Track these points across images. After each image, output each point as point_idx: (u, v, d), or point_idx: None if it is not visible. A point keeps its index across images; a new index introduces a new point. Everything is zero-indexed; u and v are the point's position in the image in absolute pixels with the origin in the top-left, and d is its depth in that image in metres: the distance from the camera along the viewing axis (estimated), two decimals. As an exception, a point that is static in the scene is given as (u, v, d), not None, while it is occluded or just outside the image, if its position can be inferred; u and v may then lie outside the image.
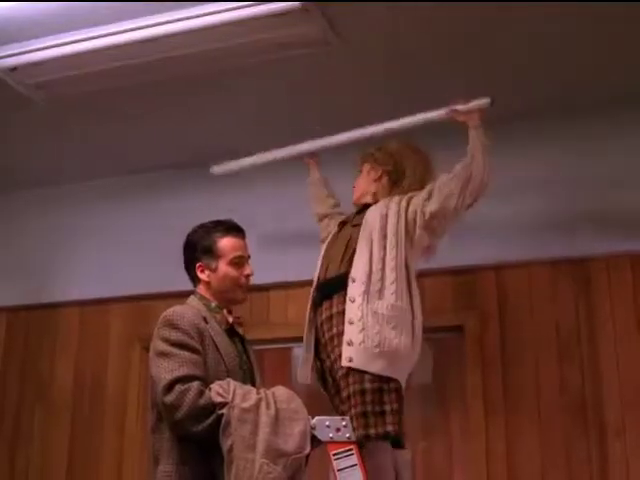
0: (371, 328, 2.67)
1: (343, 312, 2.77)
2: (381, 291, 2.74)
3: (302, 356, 2.98)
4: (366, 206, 3.03)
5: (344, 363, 2.70)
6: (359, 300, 2.73)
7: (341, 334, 2.74)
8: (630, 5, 2.91)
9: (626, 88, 3.50)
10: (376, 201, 3.02)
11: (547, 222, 3.62)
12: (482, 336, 3.62)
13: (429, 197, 2.88)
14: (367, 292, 2.74)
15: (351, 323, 2.71)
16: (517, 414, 3.49)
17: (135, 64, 3.23)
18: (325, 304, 2.88)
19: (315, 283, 3.00)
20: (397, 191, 3.02)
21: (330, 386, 2.89)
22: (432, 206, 2.84)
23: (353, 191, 3.16)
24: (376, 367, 2.67)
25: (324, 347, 2.87)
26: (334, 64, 3.34)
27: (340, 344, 2.73)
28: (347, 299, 2.77)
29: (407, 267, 2.82)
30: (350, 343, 2.70)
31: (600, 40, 3.17)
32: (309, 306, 3.00)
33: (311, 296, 3.00)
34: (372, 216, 2.91)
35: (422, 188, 2.96)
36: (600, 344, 3.47)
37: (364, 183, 3.13)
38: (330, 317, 2.83)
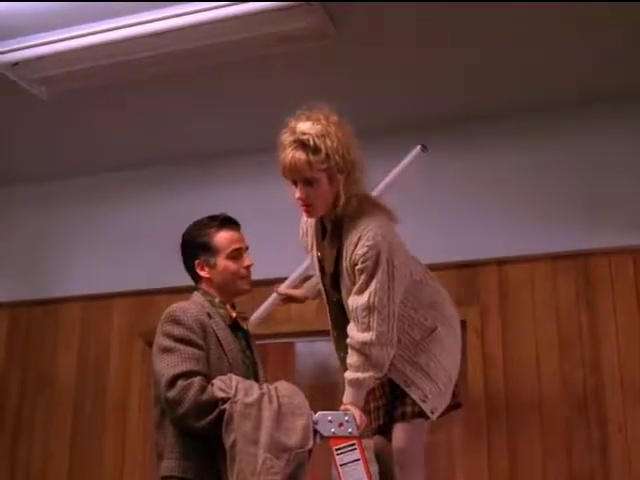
0: None
1: None
2: None
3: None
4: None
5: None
6: None
7: None
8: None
9: (627, 83, 3.50)
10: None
11: (549, 217, 3.62)
12: (484, 330, 3.63)
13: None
14: None
15: None
16: (518, 408, 3.49)
17: (138, 59, 3.23)
18: None
19: None
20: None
21: None
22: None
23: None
24: None
25: None
26: (334, 58, 3.34)
27: None
28: None
29: None
30: None
31: (603, 38, 3.18)
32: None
33: None
34: None
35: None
36: (601, 339, 3.47)
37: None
38: None
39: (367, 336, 2.41)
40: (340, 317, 2.63)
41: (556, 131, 3.71)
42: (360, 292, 2.45)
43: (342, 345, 2.61)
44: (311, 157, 2.42)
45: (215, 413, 2.31)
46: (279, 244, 3.56)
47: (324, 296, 2.71)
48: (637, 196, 3.53)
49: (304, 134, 2.42)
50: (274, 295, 3.13)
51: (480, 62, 3.38)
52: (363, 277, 2.44)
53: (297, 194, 2.49)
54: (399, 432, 2.53)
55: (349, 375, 2.44)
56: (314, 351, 4.74)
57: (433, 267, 3.49)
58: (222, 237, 2.61)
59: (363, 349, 2.42)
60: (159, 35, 3.08)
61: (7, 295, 4.53)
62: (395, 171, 3.08)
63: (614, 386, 3.39)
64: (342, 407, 2.42)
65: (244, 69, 3.43)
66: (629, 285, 3.49)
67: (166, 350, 2.42)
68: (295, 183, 2.50)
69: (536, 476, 3.40)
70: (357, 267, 2.45)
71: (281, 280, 3.86)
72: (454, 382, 2.63)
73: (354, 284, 2.48)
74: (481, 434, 3.51)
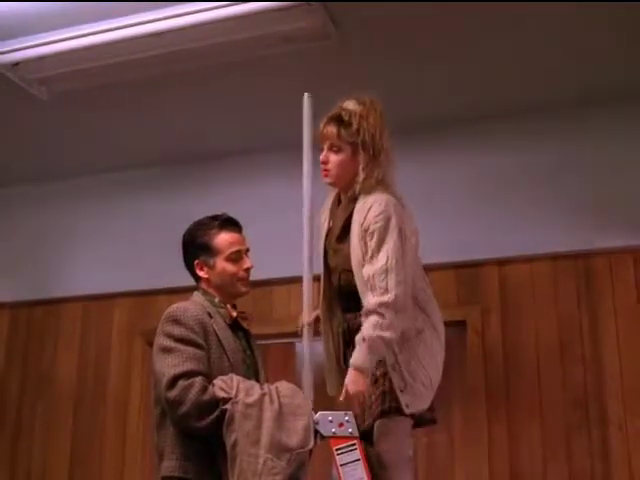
0: None
1: None
2: None
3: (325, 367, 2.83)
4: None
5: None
6: None
7: None
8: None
9: (627, 83, 3.50)
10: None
11: (549, 217, 3.62)
12: (484, 331, 3.63)
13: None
14: None
15: None
16: (519, 408, 3.50)
17: (138, 59, 3.23)
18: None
19: None
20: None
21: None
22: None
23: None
24: None
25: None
26: (334, 58, 3.33)
27: None
28: None
29: None
30: None
31: (603, 38, 3.18)
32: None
33: None
34: None
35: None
36: (602, 339, 3.47)
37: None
38: None
39: (384, 297, 2.44)
40: (334, 293, 2.72)
41: (556, 131, 3.70)
42: (373, 257, 2.49)
43: (328, 318, 2.75)
44: (342, 130, 2.63)
45: (216, 413, 2.31)
46: (279, 244, 3.56)
47: (322, 267, 2.75)
48: (637, 196, 3.53)
49: (344, 110, 2.66)
50: (306, 329, 2.85)
51: (480, 62, 3.38)
52: (375, 240, 2.50)
53: (321, 157, 2.68)
54: (380, 430, 2.53)
55: (359, 335, 2.45)
56: (314, 351, 4.73)
57: (433, 267, 3.51)
58: (222, 238, 2.61)
59: (379, 309, 2.43)
60: (159, 35, 3.08)
61: (8, 295, 4.52)
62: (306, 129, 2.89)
63: (614, 386, 3.39)
64: (349, 369, 2.43)
65: (244, 69, 3.43)
66: (629, 285, 3.49)
67: (167, 350, 2.41)
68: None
69: (536, 476, 3.40)
70: (368, 231, 2.52)
71: (283, 280, 3.87)
72: (434, 388, 2.62)
73: (364, 254, 2.53)
74: (481, 434, 3.51)
